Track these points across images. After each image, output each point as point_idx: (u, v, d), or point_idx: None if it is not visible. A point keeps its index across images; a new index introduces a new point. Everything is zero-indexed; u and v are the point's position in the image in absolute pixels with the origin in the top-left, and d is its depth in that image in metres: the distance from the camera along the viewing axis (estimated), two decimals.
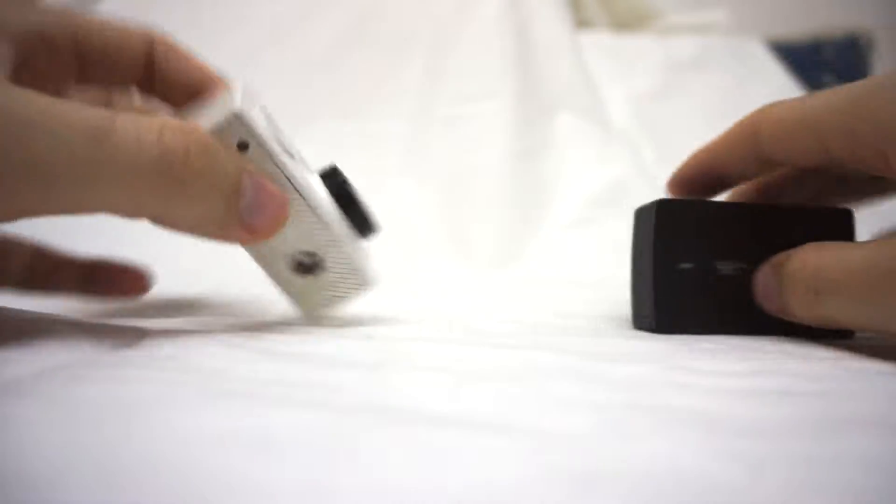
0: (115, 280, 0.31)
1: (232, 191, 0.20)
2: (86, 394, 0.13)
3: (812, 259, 0.22)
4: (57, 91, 0.24)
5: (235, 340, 0.20)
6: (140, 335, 0.20)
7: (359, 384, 0.17)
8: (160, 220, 0.20)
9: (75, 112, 0.17)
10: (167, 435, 0.12)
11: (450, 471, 0.11)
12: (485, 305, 0.36)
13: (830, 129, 0.22)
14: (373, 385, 0.17)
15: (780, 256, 0.24)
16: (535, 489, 0.11)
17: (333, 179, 0.25)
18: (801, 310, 0.23)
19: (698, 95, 0.84)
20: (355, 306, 0.32)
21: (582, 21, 0.92)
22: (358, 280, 0.25)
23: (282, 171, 0.22)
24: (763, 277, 0.25)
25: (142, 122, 0.18)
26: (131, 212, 0.19)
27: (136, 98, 0.28)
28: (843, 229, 0.26)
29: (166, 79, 0.26)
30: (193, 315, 0.28)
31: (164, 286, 0.33)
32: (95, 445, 0.11)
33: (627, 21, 0.97)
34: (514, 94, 0.71)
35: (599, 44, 0.87)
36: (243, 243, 0.22)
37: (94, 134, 0.17)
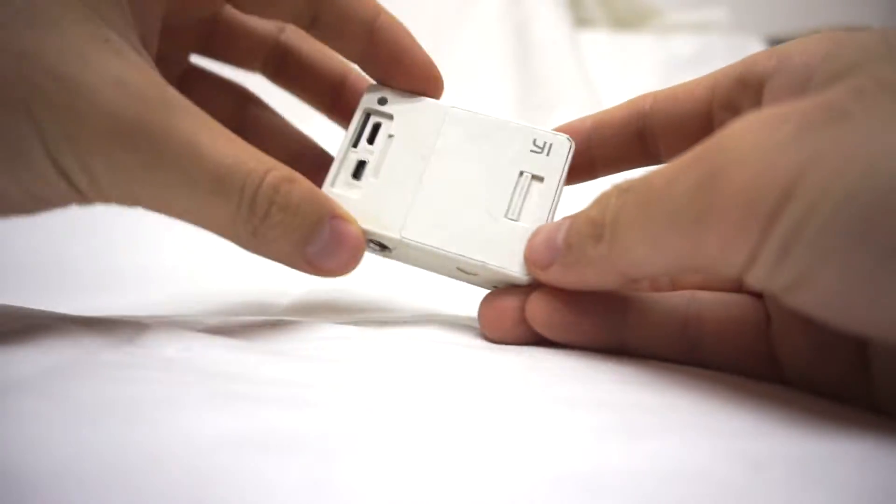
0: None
1: (302, 236, 0.21)
2: (87, 392, 0.13)
3: (624, 184, 0.19)
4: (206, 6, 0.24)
5: (238, 340, 0.20)
6: (143, 334, 0.20)
7: (361, 383, 0.17)
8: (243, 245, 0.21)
9: (208, 151, 0.18)
10: (168, 434, 0.12)
11: (451, 470, 0.11)
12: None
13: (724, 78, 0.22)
14: (376, 384, 0.17)
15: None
16: (538, 488, 0.11)
17: None
18: (598, 232, 0.19)
19: None
20: (357, 306, 0.32)
21: (581, 20, 0.92)
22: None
23: None
24: (548, 227, 0.22)
25: (254, 175, 0.19)
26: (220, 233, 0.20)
27: None
28: None
29: (332, 21, 0.25)
30: (197, 314, 0.28)
31: (166, 285, 0.33)
32: (96, 444, 0.11)
33: (627, 19, 0.97)
34: (514, 93, 0.71)
35: (599, 42, 0.86)
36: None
37: (215, 182, 0.18)
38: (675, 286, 0.25)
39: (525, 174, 0.24)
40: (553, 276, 0.21)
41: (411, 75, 0.26)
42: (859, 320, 0.14)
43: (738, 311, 0.21)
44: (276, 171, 0.20)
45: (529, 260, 0.22)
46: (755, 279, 0.15)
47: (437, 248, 0.23)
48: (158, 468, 0.11)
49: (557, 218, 0.23)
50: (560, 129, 0.25)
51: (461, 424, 0.14)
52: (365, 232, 0.24)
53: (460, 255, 0.23)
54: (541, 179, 0.24)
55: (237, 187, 0.19)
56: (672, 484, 0.11)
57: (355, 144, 0.25)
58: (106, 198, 0.18)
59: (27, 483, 0.10)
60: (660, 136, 0.24)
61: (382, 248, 0.25)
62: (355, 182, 0.25)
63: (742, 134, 0.15)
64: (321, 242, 0.21)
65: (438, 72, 0.26)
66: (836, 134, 0.14)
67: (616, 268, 0.18)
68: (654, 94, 0.24)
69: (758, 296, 0.22)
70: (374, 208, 0.24)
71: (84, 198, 0.18)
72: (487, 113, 0.25)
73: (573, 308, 0.21)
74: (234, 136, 0.19)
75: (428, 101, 0.26)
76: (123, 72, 0.18)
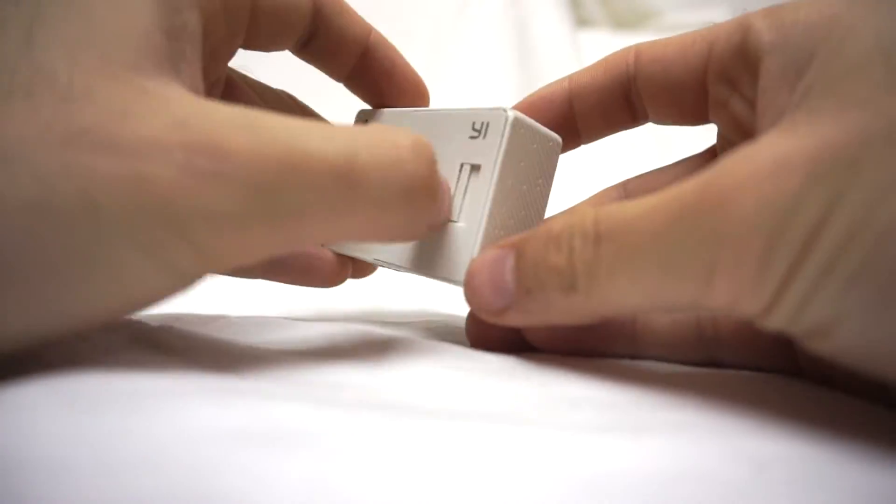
0: (309, 268, 0.27)
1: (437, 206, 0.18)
2: (87, 384, 0.13)
3: (591, 210, 0.17)
4: (215, 58, 0.20)
5: (241, 335, 0.20)
6: (144, 327, 0.20)
7: (363, 381, 0.17)
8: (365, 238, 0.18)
9: (317, 146, 0.15)
10: (167, 428, 0.12)
11: (453, 469, 0.11)
12: None
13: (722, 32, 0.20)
14: (378, 382, 0.17)
15: (516, 237, 0.19)
16: (542, 488, 0.11)
17: None
18: (569, 282, 0.17)
19: None
20: (361, 304, 0.32)
21: (582, 20, 0.92)
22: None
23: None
24: (486, 260, 0.19)
25: (384, 148, 0.16)
26: (368, 237, 0.18)
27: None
28: None
29: (329, 40, 0.24)
30: (199, 309, 0.27)
31: None
32: (95, 436, 0.11)
33: (627, 20, 0.97)
34: (514, 93, 0.71)
35: (599, 42, 0.86)
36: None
37: (339, 173, 0.15)
38: None
39: (464, 166, 0.21)
40: (509, 321, 0.19)
41: (402, 90, 0.26)
42: (893, 366, 0.13)
43: None
44: (416, 147, 0.17)
45: (474, 305, 0.19)
46: (772, 326, 0.14)
47: (390, 265, 0.22)
48: (156, 461, 0.11)
49: (501, 207, 0.20)
50: (534, 97, 0.24)
51: (462, 423, 0.13)
52: (357, 257, 0.24)
53: (409, 269, 0.22)
54: (478, 168, 0.21)
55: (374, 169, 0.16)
56: (675, 484, 0.11)
57: None
58: (218, 263, 0.15)
59: (25, 474, 0.10)
60: (648, 100, 0.23)
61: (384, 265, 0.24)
62: None
63: (744, 187, 0.14)
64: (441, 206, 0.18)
65: (425, 86, 0.26)
66: (849, 184, 0.13)
67: (595, 312, 0.17)
68: (637, 51, 0.22)
69: None
70: None
71: (186, 276, 0.15)
72: (442, 106, 0.23)
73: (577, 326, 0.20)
74: (327, 123, 0.17)
75: (394, 111, 0.25)
76: (181, 112, 0.14)
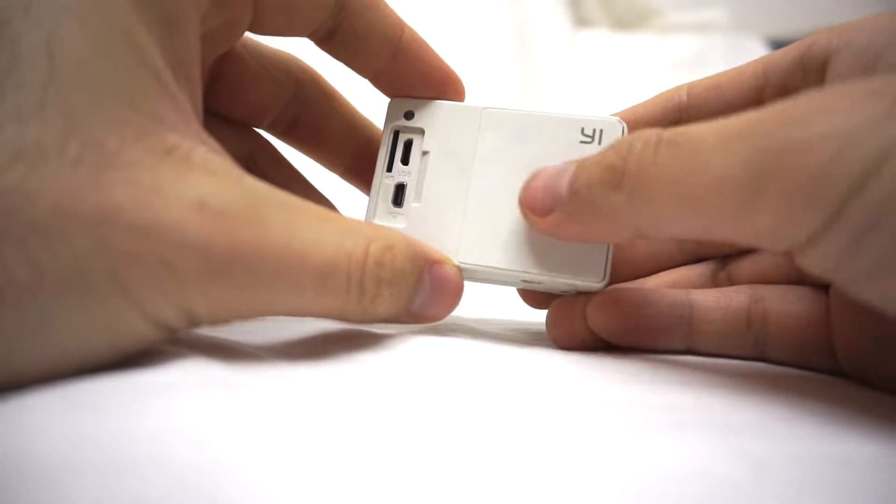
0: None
1: (408, 298, 0.19)
2: (89, 384, 0.13)
3: (654, 132, 0.17)
4: (213, 44, 0.20)
5: (241, 334, 0.20)
6: None
7: (364, 380, 0.17)
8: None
9: (306, 249, 0.16)
10: (169, 426, 0.12)
11: (452, 468, 0.11)
12: (486, 304, 0.36)
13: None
14: (378, 381, 0.17)
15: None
16: (540, 487, 0.11)
17: None
18: (619, 174, 0.17)
19: None
20: None
21: (581, 20, 0.92)
22: None
23: None
24: (551, 172, 0.19)
25: (356, 258, 0.17)
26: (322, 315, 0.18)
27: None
28: None
29: (355, 35, 0.23)
30: None
31: None
32: (97, 435, 0.11)
33: (627, 19, 0.97)
34: (514, 93, 0.71)
35: (599, 42, 0.86)
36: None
37: (320, 282, 0.17)
38: (701, 248, 0.25)
39: None
40: (551, 226, 0.19)
41: (439, 92, 0.24)
42: None
43: (802, 306, 0.21)
44: (375, 242, 0.18)
45: (524, 203, 0.20)
46: (814, 263, 0.14)
47: (497, 268, 0.22)
48: (158, 459, 0.11)
49: None
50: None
51: (461, 423, 0.13)
52: None
53: (524, 270, 0.21)
54: None
55: (342, 279, 0.17)
56: (674, 483, 0.11)
57: (389, 168, 0.23)
58: (200, 325, 0.16)
59: (28, 473, 0.10)
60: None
61: None
62: (397, 209, 0.23)
63: (823, 104, 0.14)
64: (424, 295, 0.20)
65: (463, 87, 0.25)
66: None
67: (632, 223, 0.17)
68: (689, 86, 0.23)
69: (821, 286, 0.21)
70: (422, 235, 0.22)
71: (175, 332, 0.16)
72: (527, 108, 0.23)
73: (635, 312, 0.20)
74: (324, 213, 0.18)
75: (457, 106, 0.24)
76: (201, 188, 0.15)
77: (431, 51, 0.24)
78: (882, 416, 0.16)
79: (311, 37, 0.23)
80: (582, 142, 0.22)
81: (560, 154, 0.22)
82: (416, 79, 0.24)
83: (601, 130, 0.22)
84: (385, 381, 0.17)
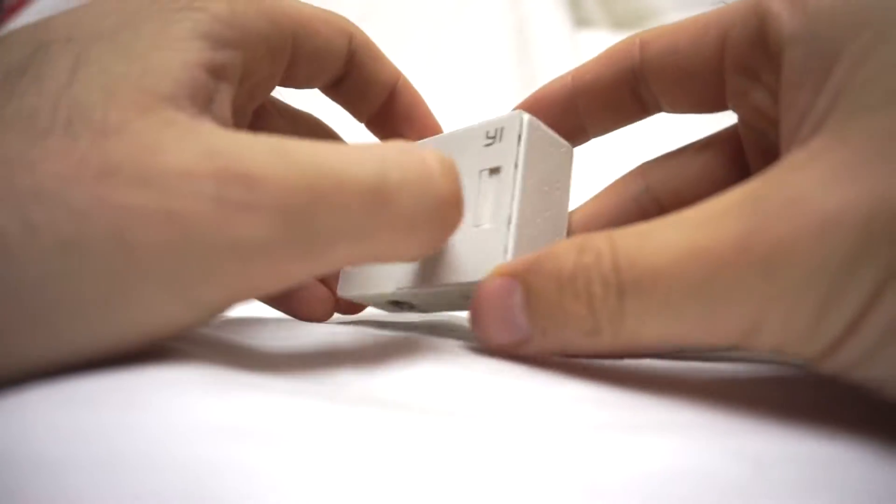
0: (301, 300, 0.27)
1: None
2: (86, 379, 0.13)
3: (606, 246, 0.16)
4: (252, 95, 0.21)
5: (240, 334, 0.20)
6: None
7: (364, 379, 0.17)
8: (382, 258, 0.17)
9: (347, 169, 0.15)
10: (168, 421, 0.12)
11: (450, 469, 0.11)
12: None
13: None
14: (377, 379, 0.17)
15: (520, 261, 0.17)
16: (538, 488, 0.11)
17: None
18: (592, 328, 0.16)
19: None
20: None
21: (581, 20, 0.92)
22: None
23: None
24: (492, 293, 0.18)
25: (413, 167, 0.16)
26: (393, 257, 0.17)
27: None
28: None
29: (359, 83, 0.24)
30: None
31: None
32: (96, 429, 0.11)
33: (627, 20, 0.97)
34: (514, 93, 0.71)
35: (599, 42, 0.86)
36: None
37: (370, 195, 0.15)
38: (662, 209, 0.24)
39: (483, 172, 0.21)
40: (523, 353, 0.18)
41: (420, 136, 0.26)
42: None
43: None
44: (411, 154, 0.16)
45: (481, 340, 0.19)
46: (827, 371, 0.14)
47: (427, 289, 0.22)
48: (157, 454, 0.11)
49: (527, 204, 0.20)
50: (535, 97, 0.24)
51: (460, 423, 0.13)
52: (366, 298, 0.24)
53: (432, 286, 0.21)
54: (498, 171, 0.21)
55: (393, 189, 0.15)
56: (674, 484, 0.11)
57: None
58: (241, 299, 0.15)
59: (26, 468, 0.10)
60: (660, 92, 0.22)
61: (397, 304, 0.24)
62: None
63: (794, 248, 0.13)
64: None
65: (440, 128, 0.27)
66: None
67: (623, 351, 0.16)
68: (643, 42, 0.21)
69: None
70: (365, 270, 0.23)
71: (211, 311, 0.15)
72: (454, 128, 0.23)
73: None
74: (360, 149, 0.16)
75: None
76: (209, 141, 0.14)
77: (420, 99, 0.26)
78: (882, 415, 0.15)
79: (322, 88, 0.25)
80: (486, 145, 0.21)
81: (471, 163, 0.21)
82: (405, 124, 0.26)
83: (502, 128, 0.21)
84: (379, 382, 0.17)
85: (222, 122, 0.17)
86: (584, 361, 0.20)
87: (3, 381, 0.13)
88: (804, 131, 0.15)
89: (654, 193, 0.24)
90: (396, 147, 0.16)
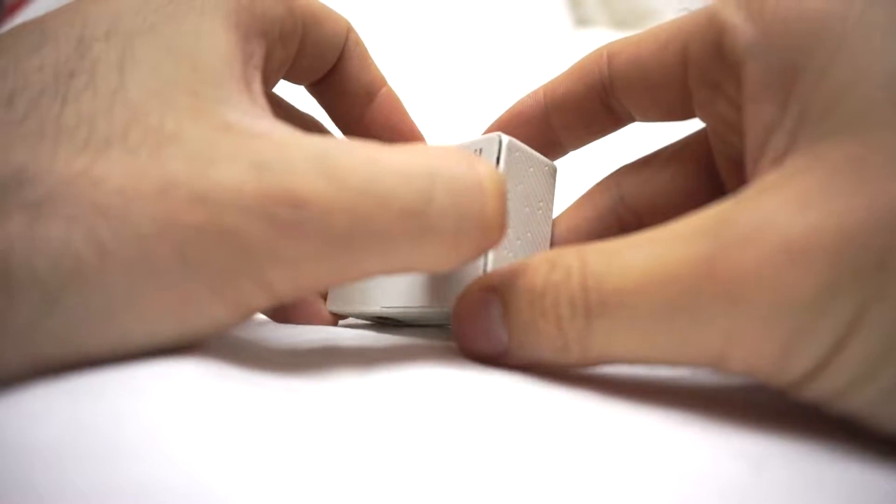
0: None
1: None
2: (90, 369, 0.13)
3: (576, 263, 0.16)
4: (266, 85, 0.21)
5: (243, 330, 0.20)
6: None
7: (363, 379, 0.17)
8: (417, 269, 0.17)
9: (392, 189, 0.15)
10: (166, 410, 0.12)
11: (448, 470, 0.11)
12: None
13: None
14: (374, 381, 0.17)
15: (498, 274, 0.18)
16: (537, 488, 0.11)
17: None
18: (562, 346, 0.16)
19: None
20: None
21: (581, 20, 0.92)
22: None
23: None
24: (471, 306, 0.18)
25: (463, 187, 0.15)
26: (424, 269, 0.16)
27: None
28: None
29: (343, 80, 0.24)
30: None
31: None
32: (94, 419, 0.11)
33: (627, 20, 0.97)
34: (514, 93, 0.71)
35: (599, 42, 0.86)
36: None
37: (412, 217, 0.15)
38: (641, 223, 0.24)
39: None
40: (505, 364, 0.18)
41: (400, 142, 0.26)
42: None
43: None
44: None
45: (466, 352, 0.18)
46: (800, 398, 0.14)
47: (410, 309, 0.22)
48: (155, 444, 0.11)
49: (509, 227, 0.20)
50: (508, 115, 0.24)
51: (459, 422, 0.13)
52: (354, 314, 0.24)
53: (418, 307, 0.21)
54: None
55: (437, 213, 0.15)
56: (672, 483, 0.11)
57: None
58: (282, 299, 0.15)
59: (26, 457, 0.10)
60: (630, 104, 0.22)
61: (384, 319, 0.24)
62: None
63: (758, 282, 0.13)
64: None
65: (423, 138, 0.26)
66: (879, 287, 0.12)
67: (595, 365, 0.16)
68: (609, 54, 0.22)
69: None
70: (351, 288, 0.23)
71: (254, 311, 0.15)
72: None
73: None
74: (408, 163, 0.15)
75: None
76: (258, 152, 0.15)
77: (403, 109, 0.26)
78: None
79: (313, 79, 0.24)
80: None
81: None
82: (385, 133, 0.25)
83: (480, 150, 0.21)
84: (374, 382, 0.17)
85: (263, 112, 0.17)
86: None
87: (65, 366, 0.13)
88: (771, 149, 0.15)
89: (629, 203, 0.24)
90: (451, 158, 0.16)
